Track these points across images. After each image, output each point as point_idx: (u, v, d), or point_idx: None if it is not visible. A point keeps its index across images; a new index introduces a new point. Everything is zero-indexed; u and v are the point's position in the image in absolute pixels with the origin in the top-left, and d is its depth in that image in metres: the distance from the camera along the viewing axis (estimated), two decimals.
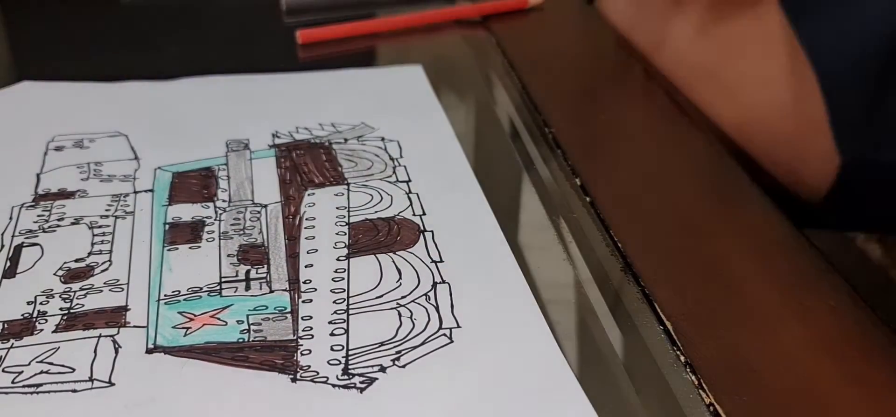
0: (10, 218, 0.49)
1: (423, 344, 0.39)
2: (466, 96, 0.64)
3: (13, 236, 0.47)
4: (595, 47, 0.70)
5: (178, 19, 0.74)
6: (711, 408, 0.36)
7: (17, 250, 0.46)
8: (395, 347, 0.39)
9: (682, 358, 0.39)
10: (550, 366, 0.38)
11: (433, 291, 0.42)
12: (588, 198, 0.49)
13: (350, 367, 0.38)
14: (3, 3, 0.75)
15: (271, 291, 0.43)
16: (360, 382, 0.37)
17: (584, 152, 0.54)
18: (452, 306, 0.42)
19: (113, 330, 0.41)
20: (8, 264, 0.45)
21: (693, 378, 0.38)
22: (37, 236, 0.47)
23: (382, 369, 0.38)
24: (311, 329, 0.40)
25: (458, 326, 0.40)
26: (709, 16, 0.64)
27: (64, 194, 0.51)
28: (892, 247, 0.67)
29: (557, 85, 0.62)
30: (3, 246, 0.46)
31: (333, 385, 0.37)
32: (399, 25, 0.70)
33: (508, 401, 0.37)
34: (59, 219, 0.49)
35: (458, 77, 0.65)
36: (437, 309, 0.41)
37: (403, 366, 0.38)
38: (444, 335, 0.40)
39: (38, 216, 0.49)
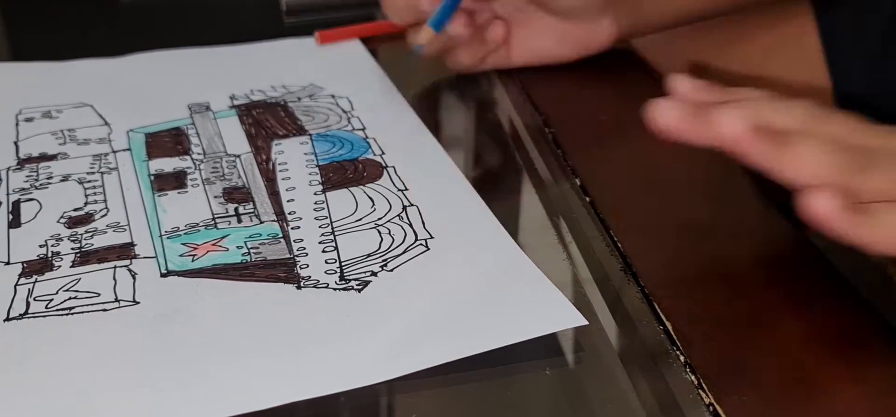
0: (0, 180, 0.53)
1: (404, 252, 0.46)
2: (466, 96, 0.65)
3: (8, 194, 0.51)
4: None
5: (178, 19, 0.75)
6: (711, 408, 0.37)
7: (16, 205, 0.50)
8: (381, 257, 0.45)
9: (682, 358, 0.39)
10: (511, 258, 0.45)
11: (404, 212, 0.49)
12: (588, 198, 0.49)
13: (345, 275, 0.44)
14: (3, 3, 0.77)
15: (261, 222, 0.48)
16: (357, 285, 0.44)
17: (584, 152, 0.54)
18: (423, 222, 0.48)
19: (126, 262, 0.45)
20: (11, 217, 0.49)
21: (693, 377, 0.38)
22: (31, 193, 0.51)
23: (374, 273, 0.44)
24: (305, 248, 0.46)
25: (432, 237, 0.47)
26: (736, 47, 0.67)
27: (46, 157, 0.55)
28: None
29: (557, 85, 0.62)
30: (0, 202, 0.50)
31: (334, 289, 0.43)
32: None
33: (483, 287, 0.43)
34: (48, 178, 0.53)
35: (459, 77, 0.65)
36: (410, 225, 0.48)
37: (391, 271, 0.44)
38: (422, 244, 0.46)
39: (28, 176, 0.53)
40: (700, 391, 0.38)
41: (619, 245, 0.46)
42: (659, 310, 0.42)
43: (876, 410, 0.37)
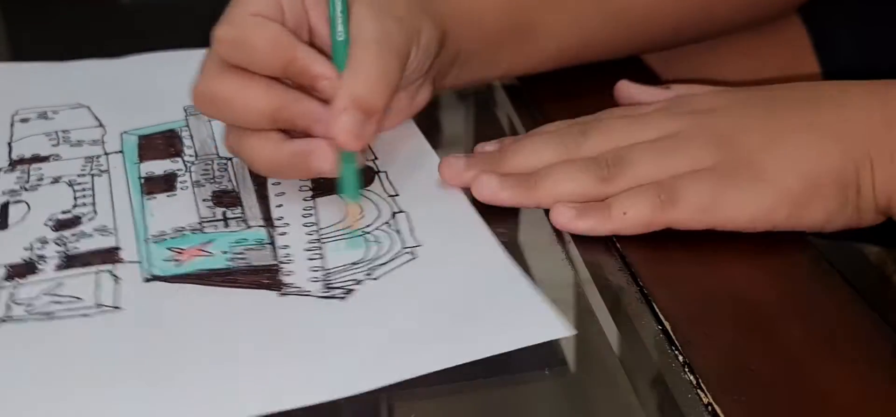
0: None
1: (390, 260, 0.45)
2: (466, 96, 0.64)
3: None
4: None
5: (178, 19, 0.75)
6: (710, 408, 0.37)
7: (4, 207, 0.50)
8: (366, 265, 0.45)
9: (681, 358, 0.39)
10: (498, 267, 0.44)
11: (393, 219, 0.48)
12: None
13: (330, 283, 0.44)
14: (3, 3, 0.77)
15: (249, 227, 0.48)
16: (341, 293, 0.43)
17: None
18: (412, 229, 0.47)
19: (110, 266, 0.45)
20: None
21: (691, 377, 0.38)
22: (20, 195, 0.51)
23: (358, 282, 0.44)
24: (290, 255, 0.46)
25: (419, 244, 0.46)
26: (738, 61, 0.68)
27: (38, 158, 0.55)
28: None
29: (557, 85, 0.61)
30: None
31: (317, 297, 0.43)
32: None
33: (468, 297, 0.43)
34: (38, 180, 0.53)
35: None
36: (398, 233, 0.47)
37: (376, 279, 0.44)
38: (408, 252, 0.46)
39: (18, 178, 0.53)
40: (698, 391, 0.38)
41: (617, 245, 0.46)
42: (657, 310, 0.42)
43: (875, 410, 0.37)
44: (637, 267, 0.45)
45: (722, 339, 0.41)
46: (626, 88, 0.54)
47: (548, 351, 0.40)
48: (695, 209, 0.45)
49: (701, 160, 0.46)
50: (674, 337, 0.40)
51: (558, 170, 0.48)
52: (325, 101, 0.47)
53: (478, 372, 0.39)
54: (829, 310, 0.43)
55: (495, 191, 0.48)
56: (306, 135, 0.47)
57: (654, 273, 0.44)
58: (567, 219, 0.46)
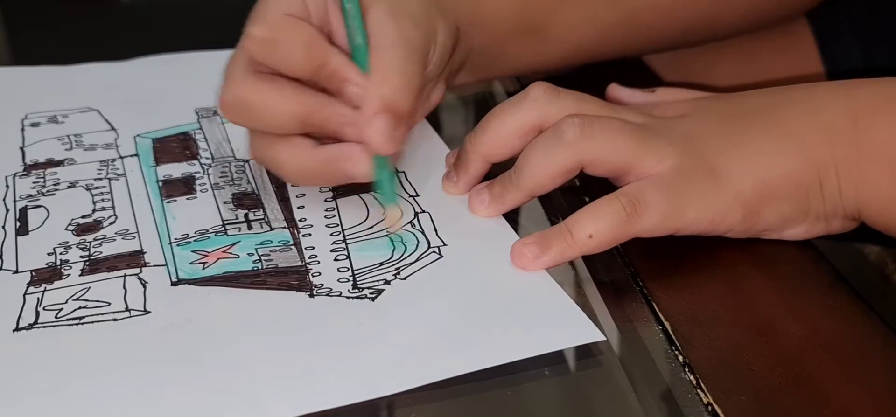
0: (7, 186, 0.52)
1: (417, 260, 0.45)
2: (466, 96, 0.65)
3: (15, 201, 0.51)
4: None
5: (178, 19, 0.75)
6: (709, 408, 0.37)
7: (23, 212, 0.50)
8: (394, 265, 0.45)
9: (681, 358, 0.39)
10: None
11: (416, 219, 0.48)
12: (586, 199, 0.49)
13: (358, 283, 0.44)
14: (3, 3, 0.77)
15: (272, 228, 0.48)
16: (370, 293, 0.43)
17: None
18: (436, 229, 0.47)
19: (136, 270, 0.45)
20: (18, 224, 0.49)
21: (691, 377, 0.38)
22: (38, 200, 0.51)
23: (387, 282, 0.44)
24: (317, 256, 0.46)
25: (444, 244, 0.46)
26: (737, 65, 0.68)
27: (52, 163, 0.55)
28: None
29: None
30: (7, 209, 0.50)
31: (347, 297, 0.43)
32: None
33: (498, 298, 0.43)
34: (55, 184, 0.52)
35: None
36: (423, 232, 0.47)
37: (405, 279, 0.44)
38: (434, 252, 0.46)
39: (34, 182, 0.52)
40: (698, 390, 0.38)
41: (619, 245, 0.46)
42: (658, 310, 0.42)
43: (875, 410, 0.37)
44: (637, 267, 0.45)
45: (722, 339, 0.40)
46: (616, 91, 0.54)
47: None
48: (660, 216, 0.44)
49: (662, 154, 0.45)
50: (674, 337, 0.40)
51: (531, 154, 0.46)
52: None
53: (478, 371, 0.39)
54: (829, 310, 0.43)
55: (484, 208, 0.48)
56: (332, 140, 0.47)
57: (654, 273, 0.44)
58: (528, 261, 0.44)
